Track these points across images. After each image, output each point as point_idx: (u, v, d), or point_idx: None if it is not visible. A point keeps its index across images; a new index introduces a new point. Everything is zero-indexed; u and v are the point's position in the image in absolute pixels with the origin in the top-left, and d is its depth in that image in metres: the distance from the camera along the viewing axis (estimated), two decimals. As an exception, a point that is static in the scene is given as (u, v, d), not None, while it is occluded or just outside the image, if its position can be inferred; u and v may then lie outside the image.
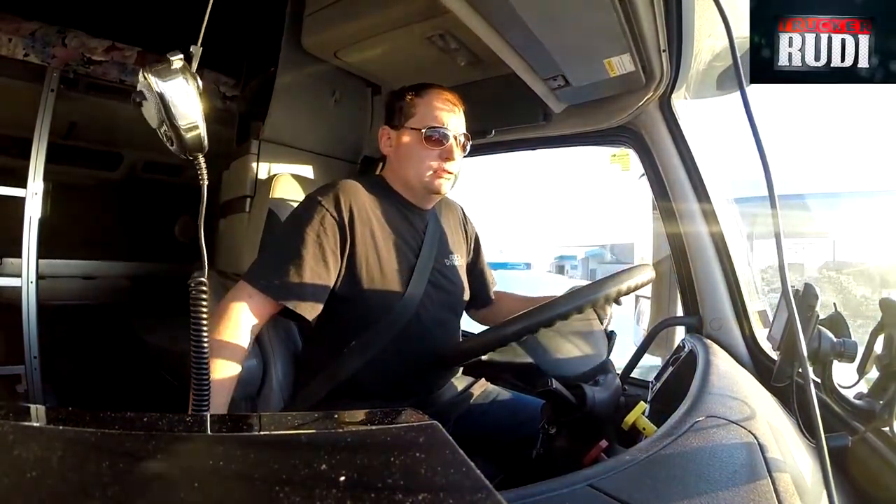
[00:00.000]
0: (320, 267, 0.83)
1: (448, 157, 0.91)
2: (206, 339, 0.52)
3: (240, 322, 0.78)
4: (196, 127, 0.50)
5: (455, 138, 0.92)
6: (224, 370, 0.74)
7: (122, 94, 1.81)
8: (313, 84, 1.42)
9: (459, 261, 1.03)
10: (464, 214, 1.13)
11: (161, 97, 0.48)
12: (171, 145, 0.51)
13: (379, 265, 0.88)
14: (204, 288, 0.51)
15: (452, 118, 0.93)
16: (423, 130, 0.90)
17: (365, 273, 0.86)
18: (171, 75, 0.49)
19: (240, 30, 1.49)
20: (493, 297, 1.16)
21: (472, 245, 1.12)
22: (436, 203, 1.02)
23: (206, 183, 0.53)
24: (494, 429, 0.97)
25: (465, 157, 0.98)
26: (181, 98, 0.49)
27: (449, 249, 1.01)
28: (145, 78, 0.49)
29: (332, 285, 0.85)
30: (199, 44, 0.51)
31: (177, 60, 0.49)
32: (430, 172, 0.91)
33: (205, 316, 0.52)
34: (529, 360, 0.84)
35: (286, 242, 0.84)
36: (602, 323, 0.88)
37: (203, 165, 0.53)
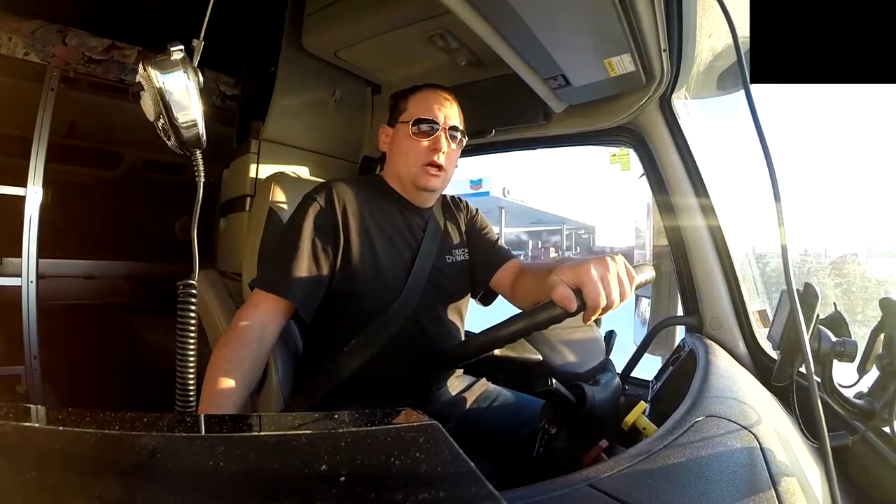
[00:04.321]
0: (314, 264, 0.83)
1: (436, 147, 0.90)
2: (192, 341, 0.52)
3: (250, 326, 0.78)
4: (194, 123, 0.49)
5: (444, 130, 0.91)
6: (236, 376, 0.73)
7: (122, 94, 1.81)
8: (313, 84, 1.42)
9: (462, 257, 1.02)
10: (460, 204, 1.09)
11: (159, 90, 0.47)
12: (169, 140, 0.50)
13: (375, 263, 0.88)
14: (193, 291, 0.51)
15: (442, 111, 0.92)
16: (411, 122, 0.90)
17: (361, 271, 0.86)
18: (170, 68, 0.47)
19: (240, 29, 1.49)
20: (515, 274, 0.99)
21: (468, 228, 1.07)
22: (437, 201, 1.01)
23: (202, 180, 0.52)
24: (494, 429, 0.97)
25: (460, 153, 0.98)
26: (180, 92, 0.47)
27: (451, 246, 1.00)
28: (145, 69, 0.47)
29: (326, 283, 0.85)
30: (200, 38, 0.50)
31: (177, 52, 0.48)
32: (419, 167, 0.91)
33: (192, 318, 0.51)
34: (537, 357, 0.84)
35: (284, 242, 0.85)
36: (598, 323, 0.88)
37: (200, 162, 0.52)
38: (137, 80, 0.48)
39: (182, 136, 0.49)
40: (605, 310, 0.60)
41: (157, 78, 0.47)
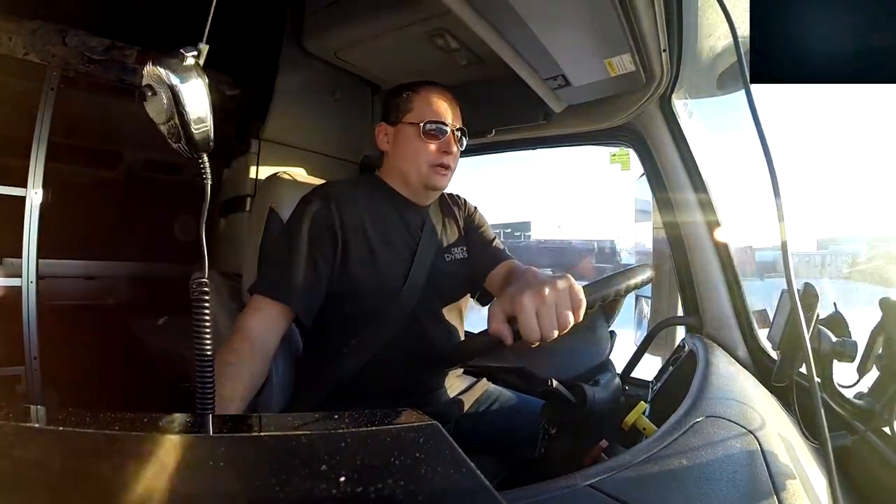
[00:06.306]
0: (313, 268, 0.83)
1: (447, 149, 0.91)
2: (208, 339, 0.52)
3: (251, 333, 0.78)
4: (205, 124, 0.50)
5: (452, 132, 0.92)
6: (238, 382, 0.72)
7: (122, 94, 1.81)
8: (314, 83, 1.42)
9: (462, 255, 1.02)
10: (459, 201, 1.09)
11: (173, 91, 0.47)
12: (177, 142, 0.51)
13: (373, 264, 0.88)
14: (206, 287, 0.51)
15: (449, 112, 0.93)
16: (422, 124, 0.90)
17: (359, 272, 0.86)
18: (184, 70, 0.48)
19: (240, 29, 1.49)
20: (505, 277, 0.96)
21: (467, 227, 1.06)
22: (434, 199, 1.01)
23: (209, 182, 0.53)
24: (495, 429, 0.97)
25: (461, 153, 0.98)
26: (193, 94, 0.48)
27: (450, 245, 1.00)
28: (155, 71, 0.47)
29: (325, 286, 0.85)
30: (204, 40, 0.51)
31: (190, 56, 0.48)
32: (429, 167, 0.91)
33: (207, 316, 0.51)
34: (520, 364, 0.83)
35: (281, 246, 0.85)
36: (609, 323, 0.88)
37: (207, 164, 0.53)
38: (145, 83, 0.49)
39: (193, 138, 0.50)
40: (542, 341, 0.58)
41: (172, 80, 0.48)
